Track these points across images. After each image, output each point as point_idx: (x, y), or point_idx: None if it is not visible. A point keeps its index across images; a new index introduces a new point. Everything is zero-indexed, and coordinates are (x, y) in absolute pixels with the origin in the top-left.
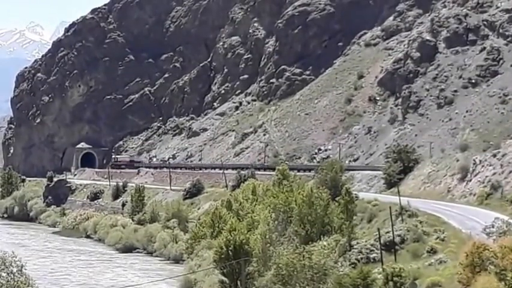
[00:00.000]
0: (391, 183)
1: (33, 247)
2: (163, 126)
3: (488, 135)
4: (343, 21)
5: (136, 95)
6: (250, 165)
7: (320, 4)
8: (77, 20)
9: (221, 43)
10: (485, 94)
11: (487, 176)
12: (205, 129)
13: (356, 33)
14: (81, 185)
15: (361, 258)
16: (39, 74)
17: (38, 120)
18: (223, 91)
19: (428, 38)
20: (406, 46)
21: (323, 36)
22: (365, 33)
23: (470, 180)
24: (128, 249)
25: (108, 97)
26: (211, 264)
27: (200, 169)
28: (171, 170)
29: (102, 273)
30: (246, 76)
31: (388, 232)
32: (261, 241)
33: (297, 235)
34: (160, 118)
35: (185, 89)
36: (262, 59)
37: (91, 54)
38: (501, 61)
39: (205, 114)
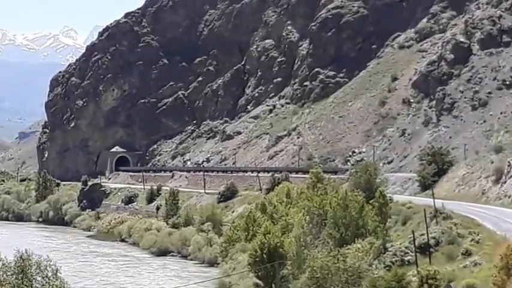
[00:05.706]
0: (426, 185)
1: (67, 251)
2: (197, 130)
3: None
4: (377, 23)
5: (170, 99)
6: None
7: (353, 7)
8: (111, 24)
9: (255, 46)
10: None
11: None
12: (239, 133)
13: (390, 35)
14: (115, 188)
15: (396, 261)
16: (73, 78)
17: (72, 125)
18: (256, 94)
19: (462, 39)
20: (440, 48)
21: (357, 38)
22: (399, 35)
23: (505, 182)
24: (163, 252)
25: (142, 101)
26: (246, 268)
27: (234, 172)
28: (205, 173)
29: (137, 277)
30: (279, 79)
31: (422, 234)
32: (295, 244)
33: (331, 238)
34: (194, 121)
35: (219, 93)
36: (296, 61)
37: (125, 58)
38: None
39: (239, 118)
